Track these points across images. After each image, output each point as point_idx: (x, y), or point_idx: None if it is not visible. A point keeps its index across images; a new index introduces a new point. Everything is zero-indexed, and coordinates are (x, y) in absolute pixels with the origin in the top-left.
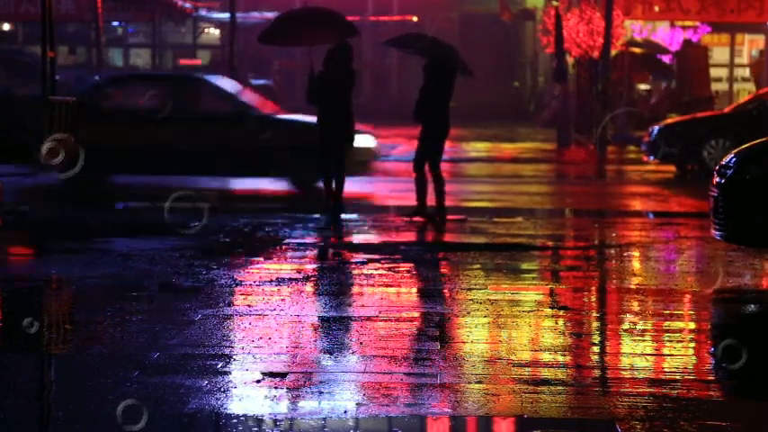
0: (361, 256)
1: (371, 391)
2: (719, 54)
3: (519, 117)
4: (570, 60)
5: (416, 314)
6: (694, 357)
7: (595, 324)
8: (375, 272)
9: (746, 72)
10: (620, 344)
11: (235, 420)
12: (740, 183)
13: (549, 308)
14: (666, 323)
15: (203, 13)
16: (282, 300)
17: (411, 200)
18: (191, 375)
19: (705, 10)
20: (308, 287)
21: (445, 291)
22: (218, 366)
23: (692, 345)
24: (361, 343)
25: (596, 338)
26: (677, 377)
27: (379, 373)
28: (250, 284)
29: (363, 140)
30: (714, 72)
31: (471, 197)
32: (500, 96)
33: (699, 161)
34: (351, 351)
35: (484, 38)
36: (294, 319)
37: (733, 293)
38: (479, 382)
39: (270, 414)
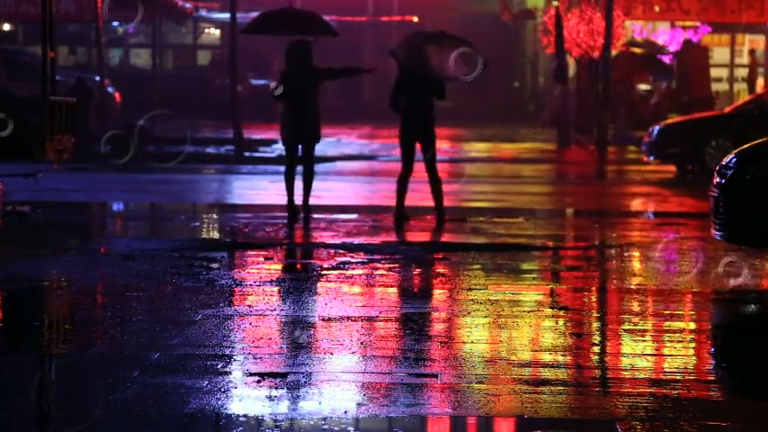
0: (361, 256)
1: (371, 391)
2: (719, 54)
3: (519, 117)
4: (570, 60)
5: (416, 314)
6: (694, 357)
7: (595, 324)
8: (375, 272)
9: (746, 72)
10: (621, 344)
11: (235, 420)
12: (740, 183)
13: (550, 308)
14: (666, 323)
15: (203, 13)
16: (282, 300)
17: (410, 200)
18: (191, 375)
19: (705, 10)
20: (308, 287)
21: (445, 291)
22: (219, 366)
23: (692, 345)
24: (361, 343)
25: (596, 338)
26: (677, 377)
27: (379, 373)
28: (250, 284)
29: None
30: (714, 72)
31: (471, 197)
32: (500, 96)
33: (699, 161)
34: (351, 351)
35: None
36: (294, 318)
37: (733, 293)
38: (479, 382)
39: (270, 414)
